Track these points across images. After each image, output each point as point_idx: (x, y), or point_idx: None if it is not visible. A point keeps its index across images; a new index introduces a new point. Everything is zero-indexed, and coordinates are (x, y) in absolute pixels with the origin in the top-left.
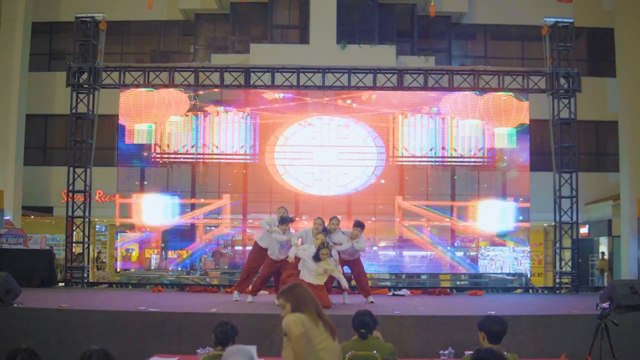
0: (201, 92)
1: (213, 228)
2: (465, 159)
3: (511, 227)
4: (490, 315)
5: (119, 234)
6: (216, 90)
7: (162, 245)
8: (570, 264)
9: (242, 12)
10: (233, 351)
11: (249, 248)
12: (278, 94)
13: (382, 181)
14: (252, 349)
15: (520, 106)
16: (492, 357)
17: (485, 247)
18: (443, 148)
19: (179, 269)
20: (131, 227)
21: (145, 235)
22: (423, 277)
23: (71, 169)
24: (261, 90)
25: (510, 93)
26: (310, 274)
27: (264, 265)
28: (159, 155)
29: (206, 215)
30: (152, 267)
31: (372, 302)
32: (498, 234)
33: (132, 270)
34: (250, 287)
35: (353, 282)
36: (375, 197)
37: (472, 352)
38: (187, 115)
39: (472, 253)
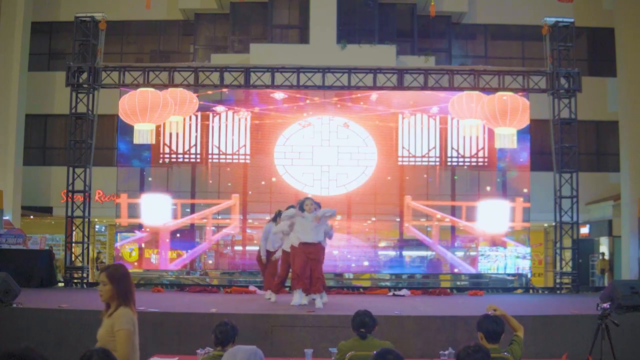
0: (209, 92)
1: (214, 229)
2: (466, 159)
3: (513, 227)
4: (487, 315)
5: (118, 234)
6: (217, 90)
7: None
8: (570, 264)
9: (242, 12)
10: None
11: (249, 248)
12: (279, 94)
13: (384, 181)
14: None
15: (524, 106)
16: (475, 353)
17: (485, 247)
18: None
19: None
20: (131, 227)
21: (145, 235)
22: (421, 276)
23: (71, 169)
24: (262, 90)
25: (511, 92)
26: (307, 228)
27: (296, 260)
28: (159, 155)
29: (215, 216)
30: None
31: (313, 299)
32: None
33: (133, 270)
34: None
35: (354, 282)
36: (376, 197)
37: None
38: (187, 116)
39: (472, 253)
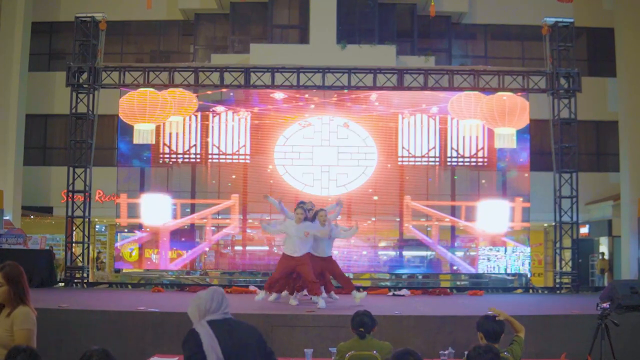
0: (208, 92)
1: (214, 229)
2: (466, 159)
3: (513, 227)
4: (487, 316)
5: (118, 234)
6: (217, 90)
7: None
8: (570, 264)
9: (242, 12)
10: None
11: (249, 248)
12: (279, 94)
13: (384, 181)
14: None
15: (523, 106)
16: (485, 353)
17: (485, 247)
18: (445, 148)
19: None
20: (131, 227)
21: (145, 235)
22: (421, 276)
23: (71, 169)
24: (262, 90)
25: (511, 93)
26: (293, 240)
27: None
28: (159, 155)
29: (215, 216)
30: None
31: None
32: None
33: (133, 270)
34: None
35: (354, 282)
36: (376, 197)
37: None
38: (187, 115)
39: (472, 253)
